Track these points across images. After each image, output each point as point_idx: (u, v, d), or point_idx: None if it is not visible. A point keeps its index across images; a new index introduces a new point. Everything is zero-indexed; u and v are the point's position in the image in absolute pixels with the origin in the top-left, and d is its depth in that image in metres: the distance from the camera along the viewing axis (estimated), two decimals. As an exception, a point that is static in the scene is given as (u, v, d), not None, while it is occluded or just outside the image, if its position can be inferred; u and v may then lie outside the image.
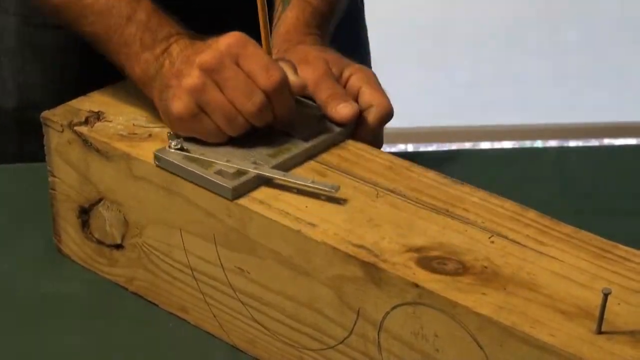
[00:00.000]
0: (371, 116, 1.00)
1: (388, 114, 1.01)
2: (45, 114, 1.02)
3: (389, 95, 1.02)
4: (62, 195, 1.04)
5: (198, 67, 0.92)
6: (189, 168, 0.91)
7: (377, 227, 0.87)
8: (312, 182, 0.89)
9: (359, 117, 0.99)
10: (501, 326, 0.77)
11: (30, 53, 1.23)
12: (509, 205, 0.90)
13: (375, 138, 1.01)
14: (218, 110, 0.92)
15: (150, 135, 0.99)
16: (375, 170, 0.94)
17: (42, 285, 1.03)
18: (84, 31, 1.02)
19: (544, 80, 2.83)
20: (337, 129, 0.98)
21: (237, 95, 0.92)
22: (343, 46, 1.10)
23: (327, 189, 0.89)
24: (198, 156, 0.92)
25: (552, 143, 2.73)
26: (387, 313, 0.83)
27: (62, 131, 1.00)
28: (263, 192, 0.90)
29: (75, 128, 1.00)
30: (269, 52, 0.97)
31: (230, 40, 0.93)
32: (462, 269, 0.82)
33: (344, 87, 1.02)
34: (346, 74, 1.03)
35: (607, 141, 2.77)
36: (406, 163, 0.95)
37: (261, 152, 0.94)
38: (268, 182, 0.91)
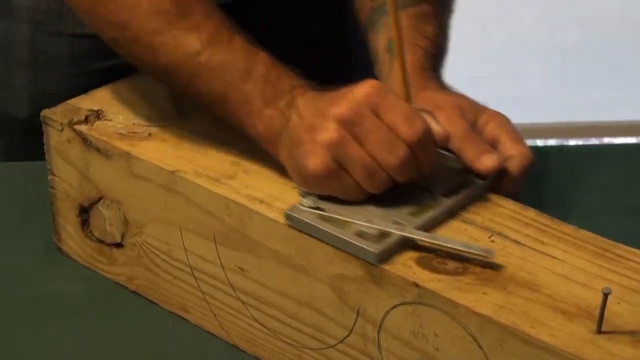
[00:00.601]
0: (513, 167, 0.92)
1: (531, 165, 0.93)
2: (45, 112, 1.02)
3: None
4: (62, 194, 1.04)
5: (334, 119, 0.85)
6: (326, 229, 0.84)
7: (377, 227, 0.87)
8: (464, 245, 0.83)
9: (500, 168, 0.92)
10: (501, 326, 0.77)
11: (43, 62, 1.22)
12: (509, 205, 0.90)
13: (517, 189, 0.94)
14: (358, 166, 0.85)
15: (150, 134, 0.98)
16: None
17: (42, 284, 1.03)
18: (198, 91, 0.93)
19: (544, 78, 2.82)
20: (478, 182, 0.90)
21: (379, 149, 0.84)
22: (360, 47, 1.09)
23: (481, 253, 0.82)
24: (334, 215, 0.85)
25: (552, 142, 2.73)
26: (387, 312, 0.83)
27: (62, 130, 1.00)
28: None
29: (75, 127, 1.00)
30: (409, 101, 0.90)
31: (367, 89, 0.86)
32: (462, 269, 0.82)
33: (480, 134, 0.94)
34: (482, 120, 0.95)
35: (607, 140, 2.76)
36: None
37: (401, 210, 0.86)
38: (412, 243, 0.84)
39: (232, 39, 0.92)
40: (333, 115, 0.85)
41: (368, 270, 0.83)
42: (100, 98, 1.04)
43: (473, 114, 0.95)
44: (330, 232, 0.84)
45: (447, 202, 0.88)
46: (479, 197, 0.90)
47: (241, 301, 0.93)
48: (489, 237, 0.85)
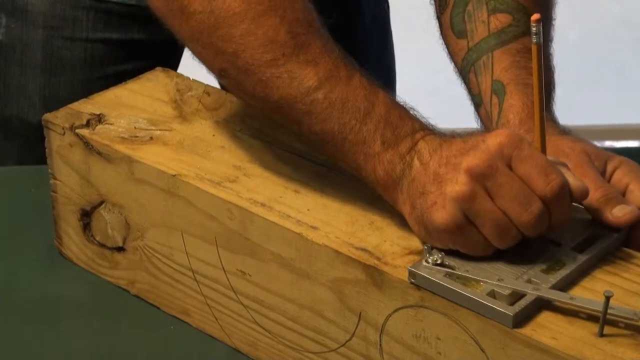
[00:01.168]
0: None
1: None
2: (47, 116, 1.02)
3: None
4: (64, 197, 1.04)
5: (466, 172, 0.80)
6: (456, 289, 0.79)
7: (379, 230, 0.87)
8: (609, 307, 0.75)
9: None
10: (503, 329, 0.77)
11: (57, 66, 1.22)
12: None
13: None
14: (489, 222, 0.80)
15: (151, 138, 0.98)
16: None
17: (44, 288, 1.03)
18: (311, 130, 0.87)
19: (545, 81, 2.82)
20: (610, 235, 0.85)
21: (513, 205, 0.80)
22: (374, 48, 1.07)
23: (628, 315, 0.76)
24: (463, 273, 0.81)
25: (553, 145, 2.73)
26: (389, 316, 0.83)
27: (64, 134, 1.00)
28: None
29: (77, 131, 1.00)
30: (544, 152, 0.85)
31: (502, 139, 0.81)
32: (464, 272, 0.82)
33: (609, 182, 0.89)
34: (610, 167, 0.90)
35: (608, 143, 2.76)
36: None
37: (533, 268, 0.81)
38: (547, 304, 0.79)
39: (352, 77, 0.87)
40: (465, 168, 0.80)
41: (369, 273, 0.83)
42: (101, 102, 1.04)
43: (600, 160, 0.90)
44: (461, 292, 0.79)
45: (580, 258, 0.82)
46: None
47: (242, 305, 0.93)
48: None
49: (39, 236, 1.08)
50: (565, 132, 0.95)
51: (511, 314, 0.76)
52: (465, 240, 0.82)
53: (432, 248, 0.82)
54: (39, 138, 1.03)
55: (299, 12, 0.88)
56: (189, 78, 1.08)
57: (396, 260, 0.83)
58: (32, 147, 1.22)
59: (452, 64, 1.05)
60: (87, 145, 0.99)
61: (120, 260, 1.02)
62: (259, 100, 0.90)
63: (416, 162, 0.83)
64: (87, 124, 1.01)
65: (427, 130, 0.86)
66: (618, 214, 0.85)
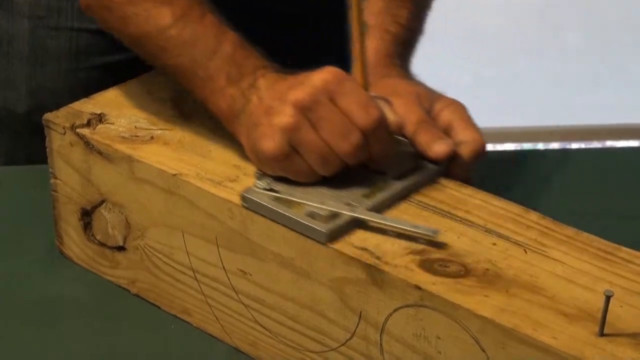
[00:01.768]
0: (465, 153, 0.94)
1: (482, 151, 0.95)
2: (48, 116, 1.02)
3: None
4: (64, 197, 1.04)
5: (292, 104, 0.87)
6: (279, 210, 0.86)
7: (379, 230, 0.87)
8: (411, 225, 0.85)
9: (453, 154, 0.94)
10: (503, 328, 0.77)
11: (43, 57, 1.22)
12: (511, 207, 0.90)
13: (468, 174, 0.95)
14: (312, 151, 0.88)
15: (152, 138, 0.99)
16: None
17: (44, 288, 1.03)
18: (166, 64, 0.96)
19: (546, 82, 2.83)
20: (431, 167, 0.93)
21: (333, 135, 0.87)
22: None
23: (427, 233, 0.84)
24: (288, 197, 0.88)
25: (554, 145, 2.73)
26: (389, 315, 0.83)
27: (64, 133, 1.00)
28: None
29: (78, 130, 1.00)
30: (366, 88, 0.92)
31: (326, 76, 0.88)
32: (464, 271, 0.82)
33: (435, 121, 0.97)
34: (437, 107, 0.98)
35: (609, 143, 2.76)
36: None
37: (354, 193, 0.89)
38: (363, 224, 0.86)
39: (204, 16, 0.94)
40: (290, 100, 0.87)
41: (370, 273, 0.83)
42: (102, 101, 1.04)
43: (429, 101, 0.98)
44: (282, 212, 0.86)
45: (399, 185, 0.90)
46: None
47: (243, 304, 0.93)
48: (484, 230, 0.85)
49: (39, 236, 1.08)
50: (408, 77, 1.03)
51: (324, 231, 0.84)
52: (291, 167, 0.89)
53: (263, 175, 0.90)
54: (27, 129, 1.04)
55: None
56: (190, 77, 1.08)
57: (396, 259, 0.83)
58: (20, 141, 1.23)
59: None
60: (88, 144, 0.99)
61: (121, 259, 1.02)
62: (121, 35, 0.99)
63: (254, 97, 0.91)
64: (88, 124, 1.01)
65: (269, 68, 0.92)
66: (436, 148, 0.93)
